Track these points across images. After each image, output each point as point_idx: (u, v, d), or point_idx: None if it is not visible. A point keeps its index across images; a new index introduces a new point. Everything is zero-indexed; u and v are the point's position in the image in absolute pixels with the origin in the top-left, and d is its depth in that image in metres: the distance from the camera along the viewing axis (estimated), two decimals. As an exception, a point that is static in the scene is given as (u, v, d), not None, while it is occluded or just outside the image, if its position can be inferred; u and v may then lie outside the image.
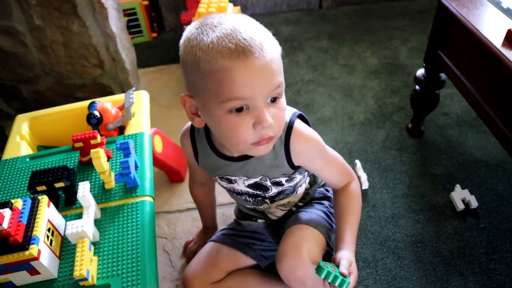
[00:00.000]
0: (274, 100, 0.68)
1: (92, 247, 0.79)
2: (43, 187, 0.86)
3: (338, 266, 0.75)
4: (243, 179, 0.86)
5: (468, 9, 1.06)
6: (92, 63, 1.51)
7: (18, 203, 0.76)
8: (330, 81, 1.75)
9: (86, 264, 0.73)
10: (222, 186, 0.93)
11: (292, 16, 2.19)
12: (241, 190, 0.91)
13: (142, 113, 1.11)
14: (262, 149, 0.72)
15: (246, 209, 1.01)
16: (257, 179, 0.86)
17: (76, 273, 0.71)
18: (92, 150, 0.85)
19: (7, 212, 0.72)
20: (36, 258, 0.72)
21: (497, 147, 1.42)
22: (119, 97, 1.16)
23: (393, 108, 1.61)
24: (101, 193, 0.91)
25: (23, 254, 0.70)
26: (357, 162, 1.36)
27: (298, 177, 0.89)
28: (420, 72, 1.34)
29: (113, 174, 0.92)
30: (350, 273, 0.75)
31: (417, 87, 1.37)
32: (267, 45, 0.64)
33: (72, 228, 0.77)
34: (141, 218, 0.85)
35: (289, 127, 0.79)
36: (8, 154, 1.04)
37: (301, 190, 0.95)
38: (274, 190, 0.90)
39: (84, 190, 0.81)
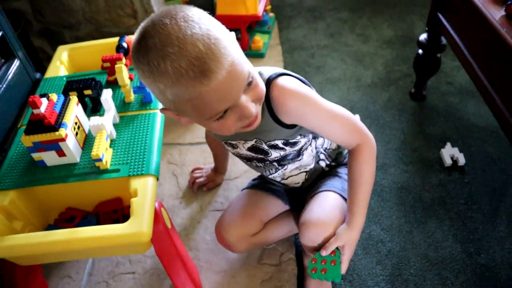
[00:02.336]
0: (249, 83, 0.68)
1: (109, 139, 0.95)
2: (75, 93, 1.02)
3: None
4: (241, 142, 0.89)
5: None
6: (127, 13, 1.68)
7: (54, 96, 0.92)
8: (344, 48, 1.86)
9: (102, 149, 0.89)
10: (230, 152, 0.97)
11: (318, -11, 2.29)
12: (245, 155, 0.93)
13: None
14: (253, 127, 0.75)
15: (268, 179, 1.03)
16: (253, 142, 0.87)
17: (94, 153, 0.87)
18: (116, 65, 1.02)
19: (44, 101, 0.89)
20: (64, 139, 0.88)
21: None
22: (146, 36, 1.32)
23: (400, 74, 1.70)
24: (121, 105, 1.07)
25: (54, 134, 0.87)
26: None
27: (302, 140, 0.88)
28: (423, 36, 1.43)
29: (131, 89, 1.08)
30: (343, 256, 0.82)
31: (419, 50, 1.46)
32: (219, 51, 0.60)
33: (94, 121, 0.93)
34: (152, 125, 1.00)
35: (267, 84, 0.76)
36: (49, 74, 1.22)
37: (308, 155, 0.93)
38: (274, 154, 0.90)
39: (107, 94, 0.98)
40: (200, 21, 0.62)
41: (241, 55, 0.65)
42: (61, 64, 1.27)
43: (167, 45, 0.59)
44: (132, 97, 1.08)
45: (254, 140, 0.86)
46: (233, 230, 1.01)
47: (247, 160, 0.96)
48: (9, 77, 1.18)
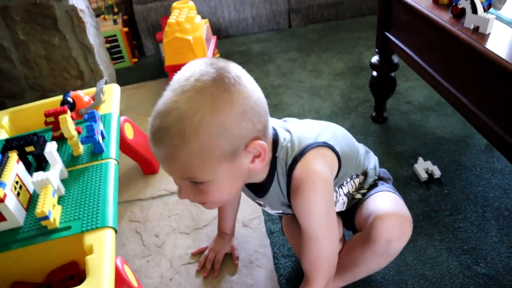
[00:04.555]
0: (196, 182, 0.67)
1: (56, 195, 0.84)
2: (15, 151, 0.92)
3: None
4: (268, 207, 0.88)
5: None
6: (73, 75, 1.61)
7: (-13, 155, 0.82)
8: (298, 84, 1.86)
9: (49, 206, 0.78)
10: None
11: (264, 36, 2.34)
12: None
13: (112, 100, 1.19)
14: (209, 208, 0.76)
15: None
16: (280, 212, 0.87)
17: (38, 210, 0.76)
18: (60, 116, 0.93)
19: (-25, 160, 0.79)
20: (2, 200, 0.77)
21: (459, 125, 1.49)
22: (92, 90, 1.25)
23: (358, 101, 1.70)
24: (69, 159, 0.97)
25: (-11, 195, 0.75)
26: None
27: None
28: (375, 58, 1.44)
29: (80, 141, 0.99)
30: None
31: (374, 73, 1.47)
32: (167, 141, 0.62)
33: (37, 177, 0.82)
34: (105, 175, 0.90)
35: (298, 155, 0.74)
36: (-14, 140, 1.11)
37: (339, 206, 0.92)
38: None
39: (51, 147, 0.88)
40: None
41: (189, 164, 0.64)
42: (2, 128, 1.16)
43: (160, 102, 0.67)
44: (80, 149, 0.98)
45: (281, 211, 0.87)
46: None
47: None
48: None
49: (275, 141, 0.75)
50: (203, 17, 2.14)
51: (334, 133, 0.84)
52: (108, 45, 2.07)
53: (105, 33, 2.07)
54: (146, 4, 2.18)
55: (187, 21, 1.61)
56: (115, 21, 2.14)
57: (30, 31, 1.52)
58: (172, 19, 1.60)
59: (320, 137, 0.78)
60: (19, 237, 0.79)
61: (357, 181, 0.91)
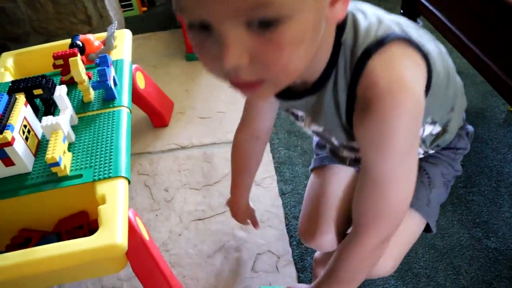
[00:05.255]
0: (263, 24, 0.37)
1: (66, 142, 0.81)
2: (22, 94, 0.87)
3: None
4: (308, 119, 0.64)
5: None
6: (80, 19, 1.54)
7: (-6, 95, 0.77)
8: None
9: (59, 152, 0.74)
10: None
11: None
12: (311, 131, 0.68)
13: (124, 45, 1.13)
14: (248, 95, 0.49)
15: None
16: (320, 130, 0.63)
17: (49, 156, 0.72)
18: (70, 59, 0.88)
19: (-18, 100, 0.74)
20: (10, 144, 0.73)
21: (478, 98, 1.44)
22: (102, 35, 1.19)
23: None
24: (80, 105, 0.93)
25: (-3, 137, 0.72)
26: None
27: None
28: (399, 20, 1.37)
29: (90, 86, 0.94)
30: None
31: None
32: None
33: (47, 121, 0.78)
34: (117, 123, 0.86)
35: (374, 44, 0.48)
36: (-9, 81, 1.06)
37: None
38: (346, 153, 0.69)
39: (61, 91, 0.83)
40: None
41: None
42: (6, 70, 1.11)
43: None
44: (91, 95, 0.94)
45: (322, 128, 0.62)
46: (328, 233, 0.73)
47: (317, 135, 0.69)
48: None
49: (343, 22, 0.50)
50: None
51: (426, 37, 0.56)
52: (116, -9, 1.97)
53: (113, -23, 1.97)
54: (157, -52, 2.06)
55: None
56: (124, -34, 2.04)
57: (36, -32, 1.44)
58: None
59: (409, 33, 0.51)
60: (28, 183, 0.76)
61: (428, 130, 0.64)
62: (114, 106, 0.91)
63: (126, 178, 0.75)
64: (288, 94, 0.58)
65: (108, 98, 0.92)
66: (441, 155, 0.75)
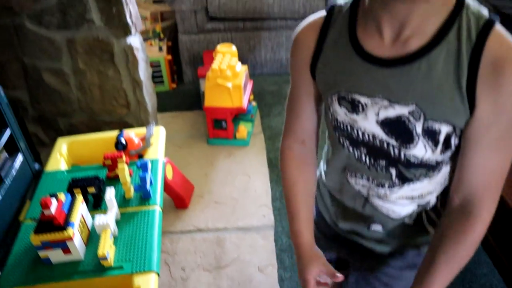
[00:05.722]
0: None
1: (112, 237, 1.02)
2: (78, 190, 1.10)
3: None
4: (379, 105, 0.58)
5: None
6: (120, 103, 1.80)
7: (62, 196, 1.00)
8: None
9: (107, 248, 0.95)
10: (336, 123, 0.64)
11: (295, 77, 2.50)
12: (365, 131, 0.61)
13: (158, 144, 1.37)
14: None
15: (347, 196, 0.71)
16: (405, 111, 0.56)
17: (100, 252, 0.93)
18: (119, 164, 1.11)
19: (54, 201, 0.96)
20: (71, 239, 0.94)
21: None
22: (141, 130, 1.43)
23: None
24: (122, 200, 1.15)
25: (63, 234, 0.93)
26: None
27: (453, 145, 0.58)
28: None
29: (132, 186, 1.16)
30: None
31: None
32: None
33: (99, 220, 1.00)
34: (151, 222, 1.08)
35: (488, 22, 0.51)
36: (50, 167, 1.29)
37: (442, 176, 0.64)
38: (419, 150, 0.59)
39: (111, 194, 1.05)
40: None
41: None
42: (61, 156, 1.34)
43: None
44: (131, 193, 1.16)
45: (412, 106, 0.56)
46: None
47: (352, 143, 0.63)
48: (13, 171, 1.24)
49: None
50: (242, 56, 2.32)
51: None
52: (151, 69, 2.25)
53: (150, 59, 2.26)
54: (190, 35, 2.36)
55: (228, 68, 1.78)
56: (160, 48, 2.33)
57: (89, 61, 1.71)
58: (215, 65, 1.77)
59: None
60: (80, 269, 0.97)
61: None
62: (149, 205, 1.13)
63: (157, 273, 0.95)
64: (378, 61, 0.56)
65: (145, 197, 1.14)
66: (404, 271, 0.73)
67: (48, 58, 1.69)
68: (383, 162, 0.63)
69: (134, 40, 1.69)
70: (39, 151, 1.87)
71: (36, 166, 1.42)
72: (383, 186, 0.65)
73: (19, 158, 1.29)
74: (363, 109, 0.59)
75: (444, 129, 0.56)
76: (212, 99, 1.78)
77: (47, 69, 1.73)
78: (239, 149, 1.86)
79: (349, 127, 0.63)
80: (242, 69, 1.86)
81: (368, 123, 0.60)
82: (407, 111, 0.56)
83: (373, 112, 0.59)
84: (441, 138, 0.57)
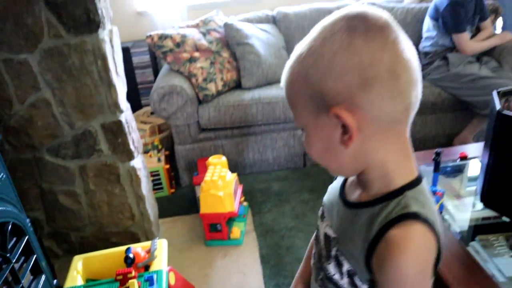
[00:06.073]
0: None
1: None
2: (95, 307, 1.29)
3: None
4: (326, 222, 0.77)
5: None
6: (126, 216, 2.03)
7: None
8: (309, 228, 2.23)
9: None
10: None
11: (282, 173, 2.77)
12: (318, 236, 0.80)
13: (162, 255, 1.58)
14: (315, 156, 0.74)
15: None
16: (331, 231, 0.73)
17: None
18: (130, 281, 1.31)
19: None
20: None
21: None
22: (147, 244, 1.65)
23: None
24: (132, 312, 1.34)
25: None
26: None
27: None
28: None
29: (141, 298, 1.36)
30: None
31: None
32: (285, 74, 0.66)
33: (114, 333, 1.19)
34: (158, 329, 1.26)
35: (395, 219, 0.60)
36: (68, 284, 1.49)
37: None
38: (331, 269, 0.72)
39: (123, 308, 1.25)
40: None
41: (297, 101, 0.66)
42: (77, 273, 1.55)
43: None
44: (141, 304, 1.35)
45: (334, 236, 0.72)
46: None
47: (316, 241, 0.82)
48: (37, 292, 1.43)
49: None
50: (232, 159, 2.62)
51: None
52: (151, 178, 2.52)
53: (151, 169, 2.54)
54: (185, 145, 2.67)
55: (220, 178, 2.05)
56: (159, 159, 2.63)
57: (98, 183, 1.97)
58: (208, 177, 2.04)
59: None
60: None
61: None
62: (157, 314, 1.31)
63: None
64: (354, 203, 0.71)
65: (153, 307, 1.34)
66: None
67: (63, 183, 1.96)
68: (317, 263, 0.80)
69: (137, 162, 1.98)
70: (53, 263, 2.07)
71: (55, 282, 1.62)
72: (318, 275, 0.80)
73: (42, 279, 1.49)
74: (323, 219, 0.80)
75: (346, 266, 0.68)
76: (207, 207, 2.02)
77: (62, 192, 1.99)
78: (234, 248, 2.06)
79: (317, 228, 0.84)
80: (231, 178, 2.13)
81: (321, 230, 0.79)
82: (333, 235, 0.73)
83: (324, 224, 0.78)
84: (344, 270, 0.69)
